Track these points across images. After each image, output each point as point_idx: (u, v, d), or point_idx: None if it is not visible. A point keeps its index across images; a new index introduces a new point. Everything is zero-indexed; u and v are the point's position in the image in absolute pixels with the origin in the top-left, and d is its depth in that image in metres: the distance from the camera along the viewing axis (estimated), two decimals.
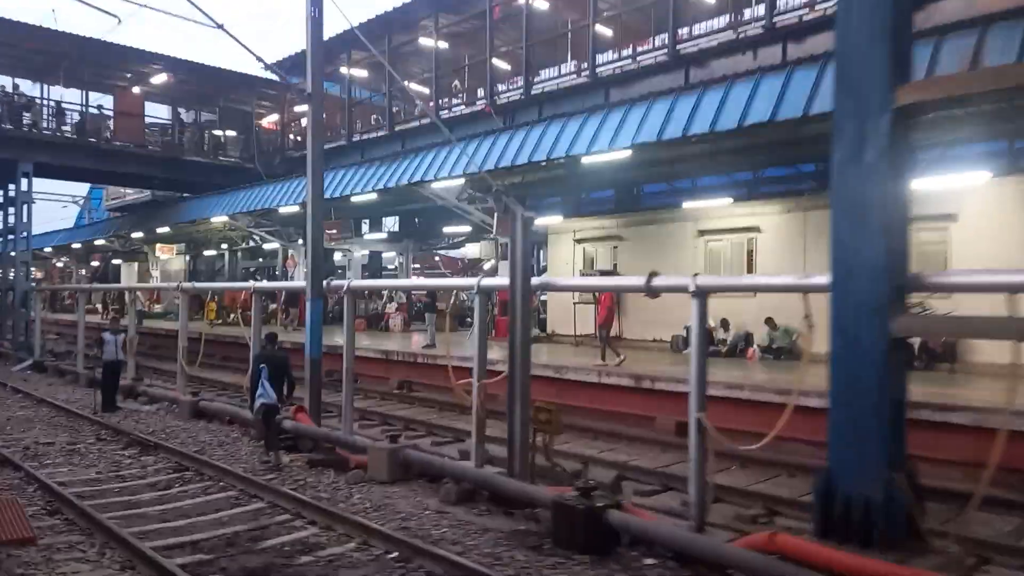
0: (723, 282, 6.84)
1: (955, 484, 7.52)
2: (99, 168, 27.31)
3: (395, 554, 6.33)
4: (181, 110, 31.42)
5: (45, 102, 26.36)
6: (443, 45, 23.31)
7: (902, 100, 5.74)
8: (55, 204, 38.28)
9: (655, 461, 10.15)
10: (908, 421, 5.87)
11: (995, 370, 10.88)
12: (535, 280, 7.88)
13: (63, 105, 26.67)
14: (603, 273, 18.14)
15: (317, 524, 7.25)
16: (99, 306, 36.87)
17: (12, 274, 25.42)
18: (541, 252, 25.14)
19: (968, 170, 12.74)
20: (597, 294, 15.94)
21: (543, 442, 8.18)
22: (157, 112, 30.76)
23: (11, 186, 25.51)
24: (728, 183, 18.90)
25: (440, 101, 23.25)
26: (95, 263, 46.72)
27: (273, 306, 27.82)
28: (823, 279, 6.07)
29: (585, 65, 19.46)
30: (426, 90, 29.73)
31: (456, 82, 23.81)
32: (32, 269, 28.43)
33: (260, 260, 37.71)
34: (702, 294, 6.58)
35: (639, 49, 19.52)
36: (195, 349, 14.78)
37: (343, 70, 25.97)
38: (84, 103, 26.26)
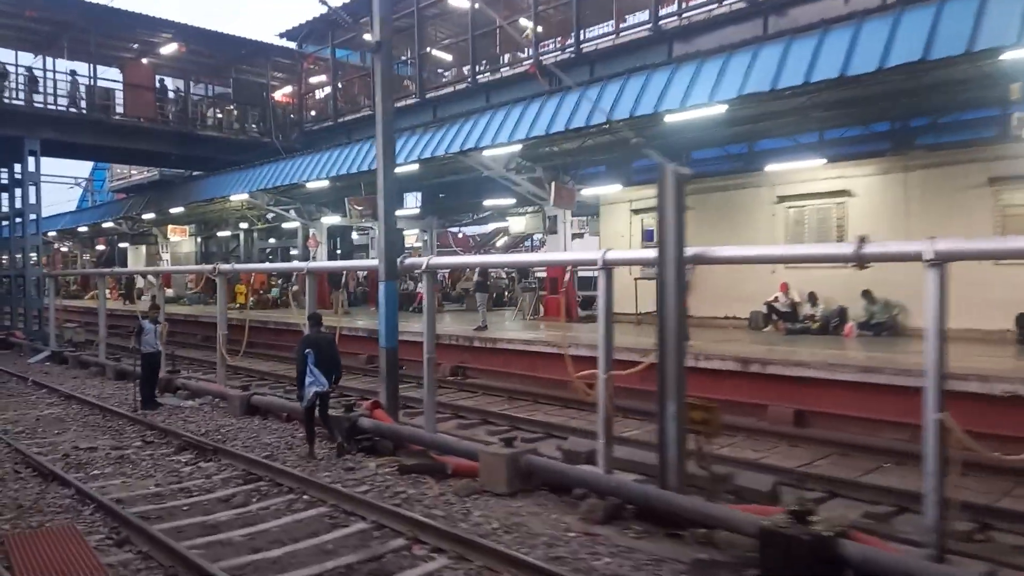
0: (972, 246, 5.07)
1: None
2: (108, 145, 25.65)
3: None
4: (193, 83, 29.76)
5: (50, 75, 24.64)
6: (476, 5, 21.63)
7: None
8: (55, 187, 36.63)
9: (792, 458, 8.89)
10: None
11: None
12: (689, 251, 6.48)
13: (72, 79, 24.97)
14: None
15: (445, 552, 5.95)
16: (108, 292, 35.46)
17: (21, 259, 23.98)
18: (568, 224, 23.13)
19: None
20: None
21: (697, 446, 6.87)
22: (168, 86, 29.03)
23: (16, 166, 23.99)
24: (797, 145, 17.43)
25: (477, 67, 21.59)
26: (100, 247, 45.11)
27: (295, 288, 26.44)
28: None
29: (635, 19, 17.75)
30: (449, 57, 28.15)
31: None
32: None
33: (272, 240, 36.25)
34: (942, 262, 5.21)
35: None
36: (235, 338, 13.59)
37: (366, 36, 24.24)
38: (92, 75, 24.53)
